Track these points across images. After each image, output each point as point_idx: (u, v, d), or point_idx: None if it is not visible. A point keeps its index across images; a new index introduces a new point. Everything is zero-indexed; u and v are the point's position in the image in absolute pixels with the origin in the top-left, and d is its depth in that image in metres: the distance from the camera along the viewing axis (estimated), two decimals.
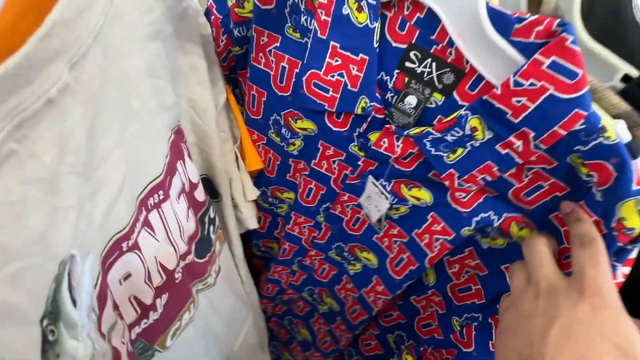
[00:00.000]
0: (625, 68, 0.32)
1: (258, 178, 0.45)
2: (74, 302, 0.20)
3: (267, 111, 0.39)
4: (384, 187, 0.37)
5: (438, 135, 0.31)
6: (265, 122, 0.40)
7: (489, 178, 0.30)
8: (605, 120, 0.24)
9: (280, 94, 0.36)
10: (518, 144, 0.28)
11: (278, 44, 0.34)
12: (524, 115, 0.25)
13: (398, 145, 0.33)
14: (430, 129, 0.31)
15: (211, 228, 0.37)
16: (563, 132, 0.25)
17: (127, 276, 0.26)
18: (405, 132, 0.32)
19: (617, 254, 0.27)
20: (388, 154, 0.34)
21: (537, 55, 0.23)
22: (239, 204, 0.41)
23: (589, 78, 0.24)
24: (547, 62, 0.23)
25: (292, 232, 0.47)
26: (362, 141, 0.36)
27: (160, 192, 0.28)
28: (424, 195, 0.36)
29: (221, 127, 0.38)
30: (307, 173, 0.41)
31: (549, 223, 0.30)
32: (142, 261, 0.27)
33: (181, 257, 0.32)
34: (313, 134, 0.37)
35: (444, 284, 0.40)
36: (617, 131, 0.24)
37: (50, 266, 0.19)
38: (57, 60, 0.18)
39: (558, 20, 0.23)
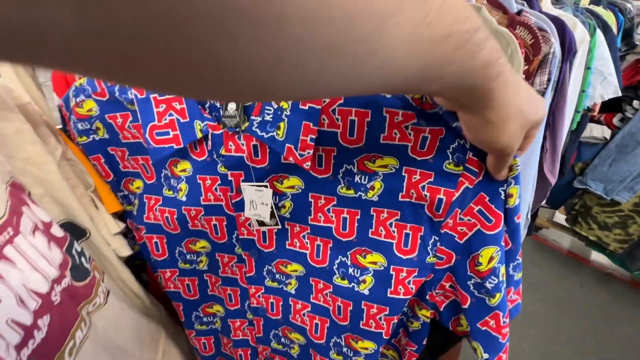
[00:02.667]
0: None
1: (169, 241, 0.46)
2: None
3: (157, 170, 0.43)
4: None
5: (259, 118, 0.35)
6: (158, 183, 0.43)
7: (313, 136, 0.34)
8: None
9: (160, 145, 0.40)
10: None
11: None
12: None
13: (242, 144, 0.37)
14: (252, 117, 0.35)
15: (83, 259, 0.42)
16: None
17: None
18: (237, 129, 0.37)
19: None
20: (240, 154, 0.38)
21: None
22: (106, 238, 0.47)
23: None
24: None
25: (226, 274, 0.47)
26: (221, 159, 0.39)
27: (9, 229, 0.34)
28: (295, 182, 0.39)
29: (67, 175, 0.44)
30: (203, 213, 0.42)
31: (381, 145, 0.35)
32: (7, 288, 0.32)
33: (55, 282, 0.37)
34: (190, 172, 0.41)
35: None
36: None
37: None
38: None
39: None
